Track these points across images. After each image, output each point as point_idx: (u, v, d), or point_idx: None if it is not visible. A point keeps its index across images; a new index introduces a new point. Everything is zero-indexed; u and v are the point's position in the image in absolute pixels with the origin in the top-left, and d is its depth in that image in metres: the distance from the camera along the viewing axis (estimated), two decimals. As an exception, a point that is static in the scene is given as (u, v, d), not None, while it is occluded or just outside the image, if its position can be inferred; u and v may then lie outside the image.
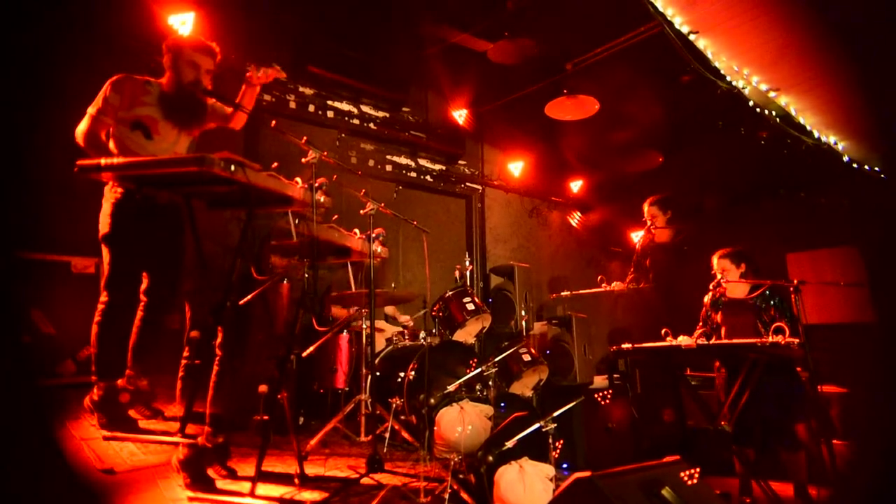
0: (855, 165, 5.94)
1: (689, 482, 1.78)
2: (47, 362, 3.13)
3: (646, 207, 4.26)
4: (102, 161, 2.11)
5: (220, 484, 2.25)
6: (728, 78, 4.89)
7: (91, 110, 2.59)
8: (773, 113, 5.35)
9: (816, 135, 5.62)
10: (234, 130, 3.09)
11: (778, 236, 6.09)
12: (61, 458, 2.10)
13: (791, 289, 3.01)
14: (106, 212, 2.62)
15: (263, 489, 2.24)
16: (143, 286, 2.77)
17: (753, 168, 6.20)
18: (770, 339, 2.73)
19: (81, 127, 2.57)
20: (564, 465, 2.99)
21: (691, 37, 4.45)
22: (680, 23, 4.34)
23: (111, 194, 2.63)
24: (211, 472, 2.28)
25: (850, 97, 4.90)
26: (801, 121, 5.44)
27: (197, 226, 2.38)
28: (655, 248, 4.22)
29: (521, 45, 4.81)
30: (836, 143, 5.74)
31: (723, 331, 3.41)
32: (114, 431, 2.59)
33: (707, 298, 3.52)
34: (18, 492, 1.59)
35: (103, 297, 2.64)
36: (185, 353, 2.89)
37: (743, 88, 5.02)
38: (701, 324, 3.51)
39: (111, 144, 2.63)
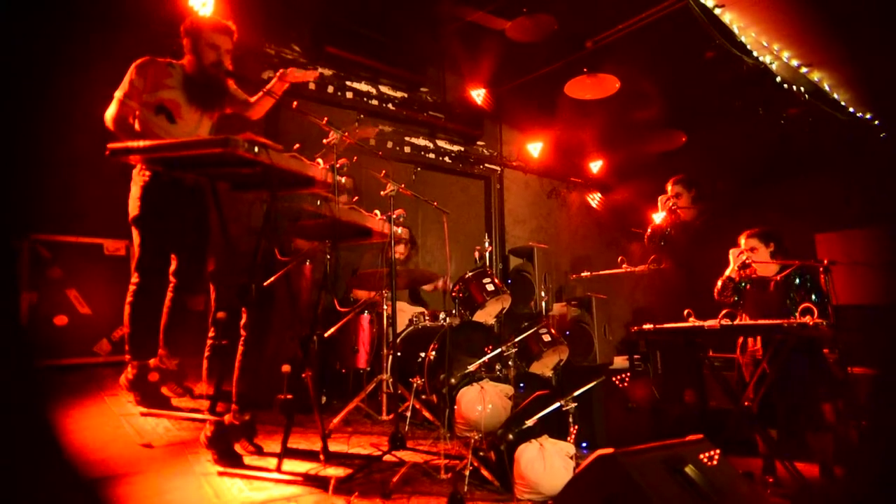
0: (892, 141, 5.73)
1: (710, 463, 1.78)
2: (85, 341, 3.24)
3: (669, 186, 4.18)
4: (131, 144, 2.15)
5: (248, 460, 2.32)
6: (755, 53, 4.73)
7: (118, 94, 2.62)
8: (803, 89, 5.18)
9: (851, 110, 5.42)
10: (250, 119, 3.08)
11: (806, 216, 5.93)
12: (58, 448, 2.18)
13: (821, 269, 2.94)
14: (135, 195, 2.67)
15: (289, 465, 2.30)
16: (173, 268, 2.83)
17: (781, 146, 6.03)
18: (798, 319, 2.68)
19: (110, 111, 2.61)
20: (584, 444, 3.01)
21: (717, 10, 4.30)
22: (705, -5, 4.20)
23: (139, 177, 2.68)
24: (238, 448, 2.35)
25: (889, 70, 4.71)
26: (836, 97, 5.25)
27: (222, 208, 2.41)
28: (678, 226, 4.15)
29: (539, 21, 4.71)
30: (872, 119, 5.53)
31: (747, 308, 3.35)
32: (149, 408, 2.68)
33: (729, 272, 3.43)
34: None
35: (134, 279, 2.71)
36: (211, 334, 2.96)
37: (770, 64, 4.85)
38: (720, 286, 3.43)
39: (137, 127, 2.66)
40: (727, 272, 3.42)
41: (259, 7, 4.17)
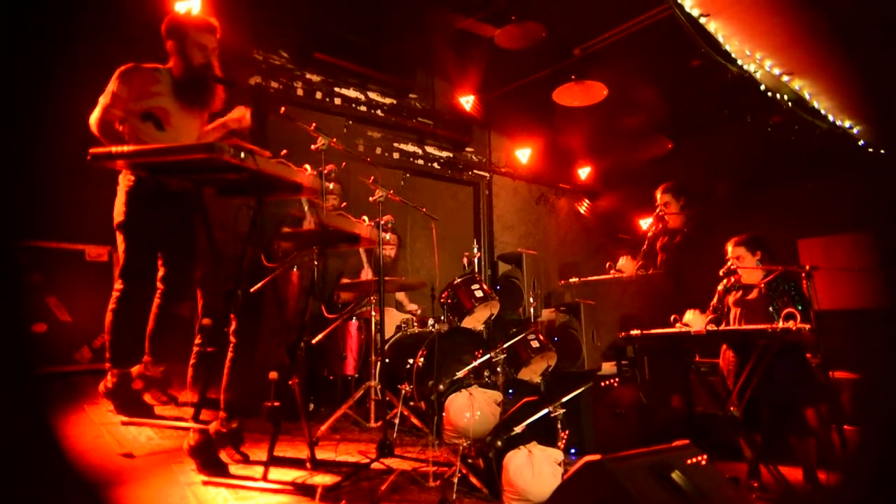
0: (870, 150, 5.85)
1: (696, 469, 1.79)
2: (65, 349, 3.18)
3: (658, 194, 4.22)
4: (113, 149, 2.12)
5: (233, 469, 2.28)
6: (739, 62, 4.82)
7: (101, 101, 2.58)
8: (786, 97, 5.27)
9: (831, 119, 5.53)
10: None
11: (789, 222, 6.03)
12: (61, 451, 2.14)
13: (803, 274, 2.99)
14: (120, 200, 2.64)
15: (276, 474, 2.27)
16: (160, 274, 2.79)
17: (765, 153, 6.13)
18: (781, 324, 2.72)
19: (94, 116, 2.57)
20: (572, 450, 3.02)
21: (702, 20, 4.37)
22: (690, 5, 4.26)
23: (125, 182, 2.64)
24: (224, 456, 2.32)
25: (866, 79, 4.81)
26: (816, 105, 5.35)
27: (208, 213, 2.39)
28: (667, 234, 4.19)
29: (528, 29, 4.75)
30: (851, 127, 5.65)
31: (732, 314, 3.39)
32: (131, 417, 2.64)
33: (720, 287, 3.49)
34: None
35: (118, 285, 2.67)
36: (197, 341, 2.92)
37: (754, 73, 4.94)
38: (711, 309, 3.49)
39: (124, 134, 2.62)
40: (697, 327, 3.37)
41: (246, 12, 4.15)
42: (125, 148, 2.15)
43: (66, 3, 3.10)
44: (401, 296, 4.56)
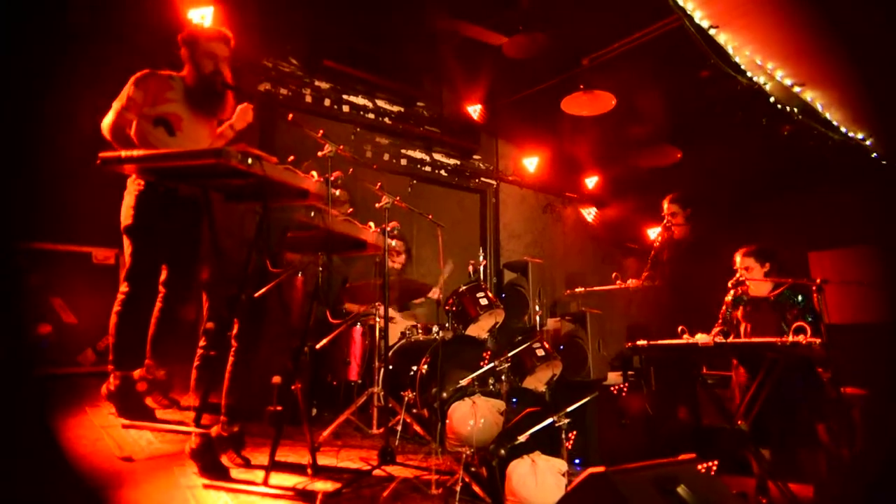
0: (884, 162, 5.79)
1: (702, 481, 1.75)
2: (68, 351, 3.19)
3: (665, 204, 4.20)
4: (123, 153, 2.14)
5: (235, 473, 2.28)
6: (749, 73, 4.80)
7: (116, 105, 2.62)
8: (797, 109, 5.24)
9: (843, 130, 5.48)
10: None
11: (799, 234, 5.97)
12: (61, 450, 2.15)
13: (814, 287, 2.95)
14: (129, 204, 2.66)
15: (277, 478, 2.26)
16: (162, 277, 2.81)
17: (774, 165, 6.08)
18: (791, 338, 2.68)
19: (107, 120, 2.61)
20: (577, 461, 2.98)
21: (711, 31, 4.36)
22: (700, 17, 4.26)
23: (134, 186, 2.67)
24: (226, 461, 2.31)
25: (880, 90, 4.77)
26: (828, 116, 5.31)
27: (215, 218, 2.41)
28: (673, 244, 4.17)
29: (536, 39, 4.77)
30: (863, 139, 5.59)
31: (742, 328, 3.35)
32: (132, 420, 2.64)
33: (729, 297, 3.45)
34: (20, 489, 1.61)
35: (123, 288, 2.68)
36: (201, 344, 2.93)
37: (764, 84, 4.92)
38: (721, 321, 3.45)
39: (135, 138, 2.66)
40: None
41: (257, 20, 4.20)
42: (134, 152, 2.17)
43: (70, 5, 3.16)
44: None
